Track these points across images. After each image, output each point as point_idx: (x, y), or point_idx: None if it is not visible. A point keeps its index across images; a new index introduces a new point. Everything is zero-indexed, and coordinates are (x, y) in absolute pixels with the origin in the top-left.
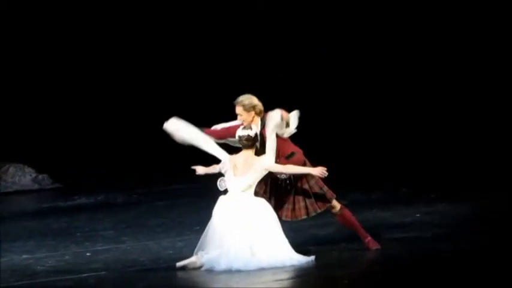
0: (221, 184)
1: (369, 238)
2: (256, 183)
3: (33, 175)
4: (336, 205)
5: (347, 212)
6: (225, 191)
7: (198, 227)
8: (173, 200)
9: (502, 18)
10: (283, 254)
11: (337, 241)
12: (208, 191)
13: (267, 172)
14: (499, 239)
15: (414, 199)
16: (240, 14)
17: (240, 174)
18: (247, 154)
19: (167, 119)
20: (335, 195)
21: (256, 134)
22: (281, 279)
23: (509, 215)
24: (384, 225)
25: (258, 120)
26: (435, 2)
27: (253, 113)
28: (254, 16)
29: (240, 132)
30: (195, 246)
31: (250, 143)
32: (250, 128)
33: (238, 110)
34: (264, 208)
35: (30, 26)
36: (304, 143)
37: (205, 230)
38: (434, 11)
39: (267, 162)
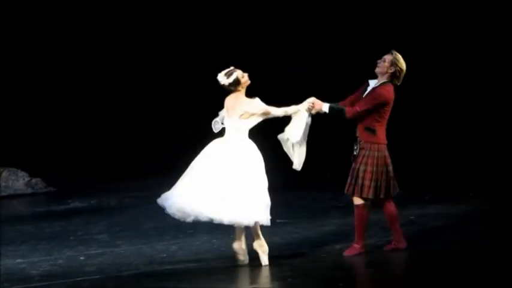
0: (215, 126)
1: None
2: (248, 127)
3: (27, 179)
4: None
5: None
6: (220, 133)
7: (191, 230)
8: None
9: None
10: (244, 212)
11: (332, 243)
12: None
13: (260, 117)
14: (492, 238)
15: (407, 201)
16: (240, 14)
17: (230, 115)
18: (236, 95)
19: (159, 122)
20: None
21: (230, 84)
22: (276, 280)
23: (503, 215)
24: (378, 226)
25: None
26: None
27: None
28: (254, 16)
29: (218, 77)
30: (189, 250)
31: (226, 88)
32: (227, 76)
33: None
34: (246, 155)
35: (23, 32)
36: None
37: (188, 167)
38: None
39: (251, 106)
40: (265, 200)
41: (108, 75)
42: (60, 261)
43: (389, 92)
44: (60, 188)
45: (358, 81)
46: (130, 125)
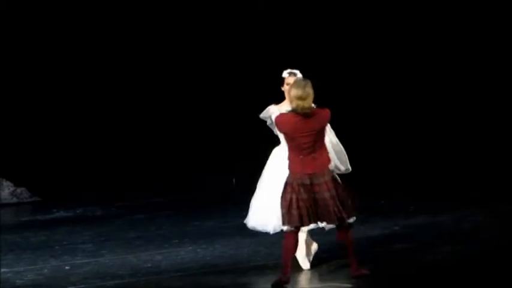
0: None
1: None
2: (281, 137)
3: (12, 188)
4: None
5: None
6: None
7: (176, 240)
8: (152, 213)
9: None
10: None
11: (318, 254)
12: (187, 204)
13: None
14: (477, 250)
15: (392, 211)
16: (240, 14)
17: None
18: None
19: (147, 131)
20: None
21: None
22: None
23: (487, 226)
24: (363, 237)
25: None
26: (437, 2)
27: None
28: (254, 16)
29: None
30: (173, 260)
31: None
32: (288, 73)
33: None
34: (276, 165)
35: (8, 38)
36: None
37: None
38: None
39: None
40: None
41: (93, 85)
42: (45, 270)
43: (277, 121)
44: (45, 197)
45: (358, 81)
46: (115, 134)
